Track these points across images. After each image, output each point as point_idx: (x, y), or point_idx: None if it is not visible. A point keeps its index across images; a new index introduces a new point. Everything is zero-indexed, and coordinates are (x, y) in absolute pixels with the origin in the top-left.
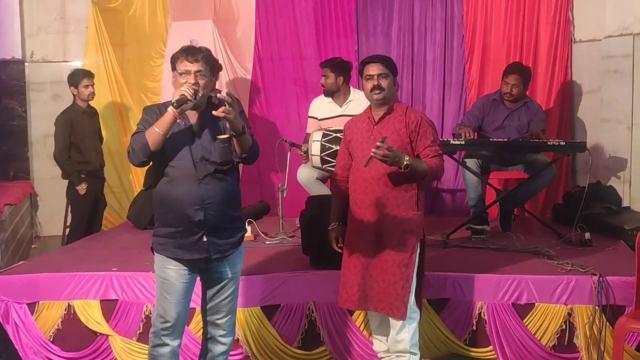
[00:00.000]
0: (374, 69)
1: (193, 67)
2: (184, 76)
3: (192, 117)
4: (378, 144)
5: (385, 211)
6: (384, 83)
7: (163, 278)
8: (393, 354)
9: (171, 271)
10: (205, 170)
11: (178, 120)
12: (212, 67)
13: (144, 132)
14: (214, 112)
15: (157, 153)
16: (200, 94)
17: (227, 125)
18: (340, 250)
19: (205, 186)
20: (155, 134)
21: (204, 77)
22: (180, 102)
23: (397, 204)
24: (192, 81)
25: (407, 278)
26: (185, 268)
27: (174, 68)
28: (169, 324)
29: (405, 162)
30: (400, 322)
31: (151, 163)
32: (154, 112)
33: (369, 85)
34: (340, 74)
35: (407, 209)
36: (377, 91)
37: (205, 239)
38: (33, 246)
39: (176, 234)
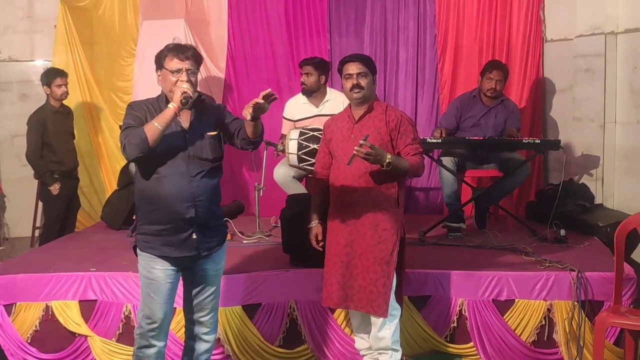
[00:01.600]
0: (353, 68)
1: (184, 64)
2: (175, 74)
3: (183, 115)
4: (361, 141)
5: (366, 209)
6: (363, 82)
7: (149, 278)
8: (375, 351)
9: (158, 271)
10: (197, 168)
11: (178, 117)
12: (199, 64)
13: (138, 127)
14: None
15: (150, 150)
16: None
17: (251, 111)
18: (320, 249)
19: (196, 183)
20: (155, 128)
21: (194, 75)
22: (187, 99)
23: (378, 201)
24: (184, 79)
25: (388, 275)
26: (172, 267)
27: (160, 66)
28: (155, 325)
29: (387, 160)
30: (381, 319)
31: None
32: (141, 108)
33: (348, 84)
34: (323, 73)
35: (387, 207)
36: (356, 90)
37: (194, 236)
38: (1, 248)
39: (164, 232)
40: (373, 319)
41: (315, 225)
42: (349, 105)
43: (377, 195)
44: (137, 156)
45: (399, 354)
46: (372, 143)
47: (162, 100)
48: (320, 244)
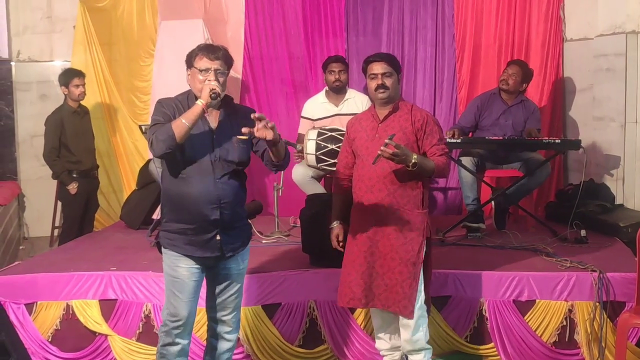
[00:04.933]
0: (378, 68)
1: (213, 64)
2: (203, 73)
3: (211, 116)
4: (386, 141)
5: (391, 210)
6: (388, 82)
7: (174, 277)
8: (407, 352)
9: (183, 269)
10: (222, 170)
11: (206, 114)
12: (229, 66)
13: (166, 123)
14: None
15: (178, 147)
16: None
17: (266, 137)
18: (341, 249)
19: (221, 185)
20: (182, 125)
21: (223, 75)
22: (215, 95)
23: (403, 202)
24: (212, 78)
25: (414, 276)
26: (197, 266)
27: (190, 65)
28: (180, 322)
29: (413, 161)
30: (414, 322)
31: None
32: (170, 105)
33: (373, 84)
34: (347, 71)
35: (412, 207)
36: (381, 90)
37: (218, 237)
38: (21, 247)
39: (188, 231)
40: (404, 321)
41: (336, 225)
42: (373, 104)
43: (402, 196)
44: (165, 152)
45: (430, 351)
46: (397, 143)
47: (191, 98)
48: (341, 244)
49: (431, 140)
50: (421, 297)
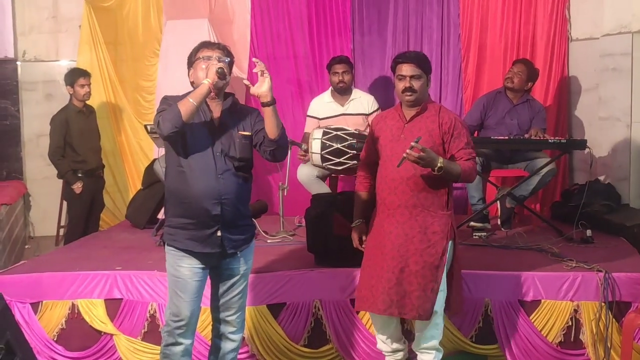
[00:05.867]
0: (407, 70)
1: (215, 52)
2: (205, 60)
3: (214, 111)
4: (412, 143)
5: (415, 212)
6: (416, 85)
7: (176, 276)
8: (419, 349)
9: (185, 269)
10: (225, 166)
11: (212, 94)
12: (232, 60)
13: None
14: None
15: (183, 130)
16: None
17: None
18: (362, 249)
19: (223, 181)
20: (189, 104)
21: (225, 64)
22: (222, 73)
23: (427, 204)
24: (215, 61)
25: (436, 279)
26: (199, 265)
27: (191, 63)
28: (183, 322)
29: (439, 165)
30: (432, 318)
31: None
32: (175, 99)
33: (400, 85)
34: (352, 71)
35: (436, 209)
36: (408, 93)
37: (219, 233)
38: (27, 247)
39: (189, 226)
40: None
41: (360, 224)
42: (400, 103)
43: (426, 198)
44: (171, 131)
45: (441, 354)
46: (423, 145)
47: None
48: (364, 244)
49: (458, 144)
50: (442, 298)
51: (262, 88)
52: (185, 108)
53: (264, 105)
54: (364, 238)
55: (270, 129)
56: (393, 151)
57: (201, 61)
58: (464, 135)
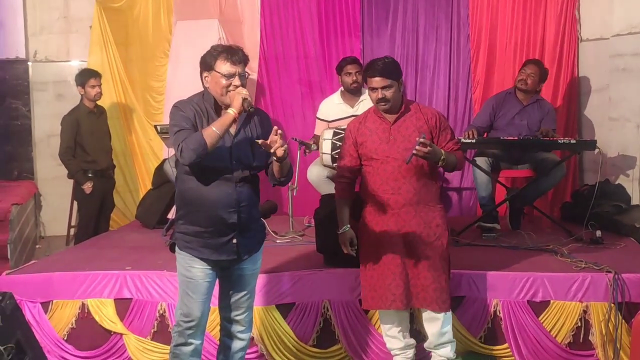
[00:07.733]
0: (377, 82)
1: (237, 68)
2: (227, 78)
3: None
4: (421, 140)
5: (418, 209)
6: (388, 94)
7: (188, 277)
8: (434, 347)
9: (197, 270)
10: (241, 173)
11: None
12: (246, 66)
13: (190, 129)
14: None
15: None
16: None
17: (275, 151)
18: (354, 253)
19: (240, 189)
20: (214, 134)
21: (244, 79)
22: (250, 106)
23: (427, 199)
24: (238, 83)
25: (447, 270)
26: (211, 267)
27: (209, 68)
28: (193, 323)
29: (442, 157)
30: (443, 315)
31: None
32: (188, 108)
33: (374, 96)
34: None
35: (435, 204)
36: (382, 103)
37: (235, 240)
38: (37, 246)
39: (204, 234)
40: (433, 315)
41: (347, 230)
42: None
43: (426, 194)
44: (195, 161)
45: (455, 344)
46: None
47: (208, 100)
48: (354, 249)
49: (446, 135)
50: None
51: (279, 154)
52: (210, 138)
53: (276, 160)
54: (354, 242)
55: (278, 173)
56: (385, 153)
57: (221, 77)
58: (449, 127)
